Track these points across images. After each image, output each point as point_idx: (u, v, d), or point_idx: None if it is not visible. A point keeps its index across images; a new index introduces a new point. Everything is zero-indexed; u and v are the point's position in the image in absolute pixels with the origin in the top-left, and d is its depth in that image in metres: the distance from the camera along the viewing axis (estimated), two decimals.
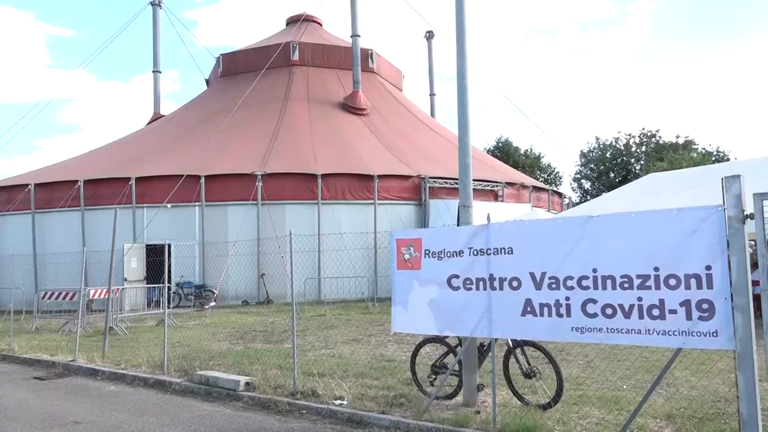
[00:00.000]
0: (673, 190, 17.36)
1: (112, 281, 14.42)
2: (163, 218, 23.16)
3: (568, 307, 5.67)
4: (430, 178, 26.27)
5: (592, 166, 62.04)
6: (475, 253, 6.35)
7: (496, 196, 28.50)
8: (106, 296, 17.26)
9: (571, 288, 5.66)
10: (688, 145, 54.91)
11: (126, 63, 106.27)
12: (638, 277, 5.28)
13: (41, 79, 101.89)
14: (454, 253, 6.52)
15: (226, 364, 10.12)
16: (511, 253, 6.09)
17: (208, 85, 39.78)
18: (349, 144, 28.68)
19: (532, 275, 5.92)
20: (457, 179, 25.90)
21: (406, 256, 6.92)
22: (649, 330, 5.20)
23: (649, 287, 5.22)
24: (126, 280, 22.84)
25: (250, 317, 19.50)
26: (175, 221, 23.89)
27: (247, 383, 8.37)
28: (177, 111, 36.71)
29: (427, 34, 45.05)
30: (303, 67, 34.61)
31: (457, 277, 6.47)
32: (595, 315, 5.50)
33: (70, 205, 23.89)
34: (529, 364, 6.91)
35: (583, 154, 61.88)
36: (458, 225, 7.23)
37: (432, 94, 45.13)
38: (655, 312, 5.17)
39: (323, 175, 24.52)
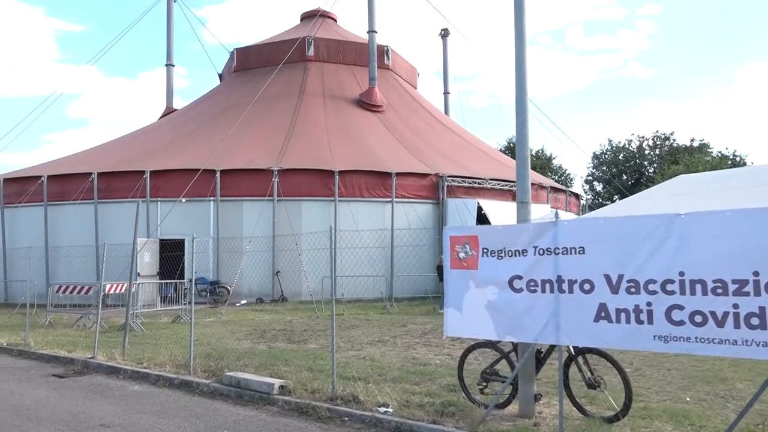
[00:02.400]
0: (706, 192, 16.85)
1: (132, 276, 13.97)
2: (176, 213, 22.71)
3: (649, 313, 5.19)
4: (448, 176, 25.77)
5: (605, 168, 61.51)
6: (541, 252, 5.87)
7: (513, 196, 27.91)
8: (123, 291, 16.94)
9: (654, 293, 5.18)
10: (702, 148, 54.26)
11: (133, 59, 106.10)
12: (734, 282, 4.80)
13: (50, 74, 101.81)
14: (517, 252, 6.05)
15: (253, 365, 9.67)
16: (583, 253, 5.60)
17: (221, 80, 39.41)
18: (366, 141, 28.22)
19: (608, 278, 5.44)
20: (475, 178, 25.46)
21: (461, 255, 6.45)
22: (747, 341, 4.72)
23: (747, 293, 4.74)
24: (139, 275, 22.43)
25: (266, 315, 19.06)
26: (189, 216, 23.44)
27: (281, 386, 7.92)
28: (190, 105, 36.32)
29: (442, 32, 44.53)
30: (318, 62, 34.14)
31: (519, 278, 5.99)
32: (681, 323, 5.02)
33: (84, 198, 23.47)
34: (591, 373, 6.44)
35: (595, 156, 61.31)
36: (518, 222, 6.74)
37: (446, 93, 44.61)
38: (755, 321, 4.68)
39: (340, 172, 24.06)
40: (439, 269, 20.17)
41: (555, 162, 63.44)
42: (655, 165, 56.85)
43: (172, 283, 19.41)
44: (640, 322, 5.24)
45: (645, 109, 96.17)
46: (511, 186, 27.85)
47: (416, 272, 23.80)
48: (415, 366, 9.69)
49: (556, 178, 60.46)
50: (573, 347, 6.38)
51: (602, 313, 5.45)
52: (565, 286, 5.68)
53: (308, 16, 39.71)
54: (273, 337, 13.94)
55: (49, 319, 16.72)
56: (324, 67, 34.09)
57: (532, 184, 29.10)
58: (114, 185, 23.78)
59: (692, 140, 55.17)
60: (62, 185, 24.25)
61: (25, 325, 16.42)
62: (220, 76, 39.87)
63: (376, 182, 24.69)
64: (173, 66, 38.24)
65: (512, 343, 6.79)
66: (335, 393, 7.49)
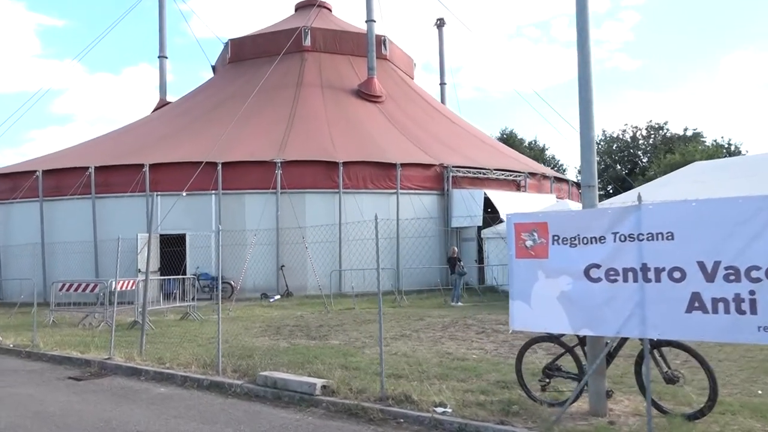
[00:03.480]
0: (726, 178, 16.56)
1: (147, 272, 13.42)
2: (177, 207, 22.02)
3: (752, 302, 4.79)
4: (453, 167, 25.33)
5: (598, 158, 61.37)
6: (622, 238, 5.44)
7: (518, 186, 27.61)
8: (132, 288, 16.39)
9: (758, 280, 4.78)
10: (696, 137, 54.22)
11: (117, 55, 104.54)
12: None
13: (32, 70, 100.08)
14: (593, 239, 5.61)
15: (282, 363, 9.19)
16: (672, 238, 5.18)
17: (214, 72, 38.68)
18: (367, 132, 27.70)
19: (701, 265, 5.02)
20: (480, 168, 25.00)
21: (528, 243, 6.01)
22: None
23: None
24: (140, 271, 21.81)
25: (275, 311, 18.56)
26: (189, 210, 22.84)
27: (323, 386, 7.45)
28: (184, 98, 35.57)
29: (438, 22, 43.99)
30: (315, 53, 33.51)
31: (597, 266, 5.56)
32: None
33: (81, 193, 22.77)
34: (669, 367, 6.02)
35: None
36: (584, 208, 6.29)
37: (442, 84, 44.09)
38: None
39: (344, 164, 23.54)
40: (450, 261, 19.78)
41: (548, 153, 63.39)
42: (649, 155, 56.78)
43: (177, 279, 18.85)
44: (741, 312, 4.83)
45: (630, 99, 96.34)
46: (516, 176, 27.54)
47: (423, 264, 23.37)
48: (453, 361, 9.26)
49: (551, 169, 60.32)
50: (650, 339, 5.95)
51: (696, 303, 5.04)
52: (651, 275, 5.26)
53: (302, 7, 39.10)
54: (290, 333, 13.46)
55: (52, 318, 16.10)
56: (321, 57, 33.47)
57: (534, 174, 28.97)
58: (112, 179, 23.09)
59: (686, 130, 55.13)
60: (58, 180, 23.54)
61: (28, 325, 15.90)
62: (214, 68, 39.13)
63: (380, 173, 24.21)
64: (166, 58, 37.41)
65: (578, 337, 6.37)
66: (385, 393, 7.03)
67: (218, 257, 11.51)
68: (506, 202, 24.68)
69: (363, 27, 36.41)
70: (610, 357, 6.29)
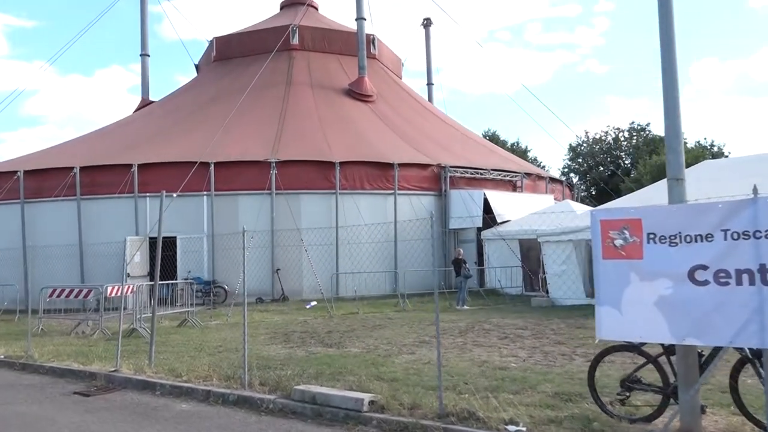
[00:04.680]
0: (738, 177, 16.24)
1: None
2: (167, 209, 21.03)
3: None
4: (451, 167, 24.79)
5: (580, 160, 61.58)
6: (735, 236, 4.86)
7: (514, 187, 27.16)
8: (130, 293, 15.47)
9: None
10: None
11: (89, 56, 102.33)
12: None
13: (1, 71, 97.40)
14: (698, 237, 5.03)
15: (309, 375, 8.48)
16: None
17: (198, 71, 37.65)
18: (361, 131, 27.03)
19: None
20: (477, 169, 24.43)
21: (618, 242, 5.40)
22: None
23: None
24: (129, 275, 20.83)
25: (274, 316, 17.80)
26: (180, 212, 21.85)
27: (371, 402, 6.76)
28: (168, 97, 34.50)
29: (425, 22, 43.46)
30: (303, 51, 32.70)
31: (704, 268, 4.98)
32: None
33: (66, 195, 21.69)
34: None
35: (571, 148, 61.31)
36: (670, 202, 5.71)
37: (429, 84, 43.57)
38: None
39: (341, 163, 22.83)
40: (456, 263, 19.17)
41: (530, 155, 63.33)
42: (632, 156, 56.99)
43: (174, 283, 17.97)
44: None
45: (604, 103, 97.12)
46: (512, 176, 27.10)
47: (421, 266, 22.74)
48: (495, 371, 8.63)
49: None
50: (749, 349, 5.40)
51: None
52: None
53: (288, 5, 38.26)
54: (300, 340, 12.73)
55: (41, 326, 15.11)
56: (310, 56, 32.69)
57: (529, 174, 28.53)
58: (98, 180, 22.08)
59: None
60: (40, 181, 22.44)
61: (15, 333, 14.97)
62: (197, 66, 38.09)
63: (377, 174, 23.58)
64: (148, 56, 36.27)
65: (662, 346, 5.79)
66: (444, 409, 6.37)
67: (243, 263, 10.67)
68: (504, 202, 24.21)
69: (349, 26, 35.84)
70: (701, 368, 5.71)
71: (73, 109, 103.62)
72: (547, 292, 18.20)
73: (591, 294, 17.78)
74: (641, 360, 6.09)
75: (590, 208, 23.18)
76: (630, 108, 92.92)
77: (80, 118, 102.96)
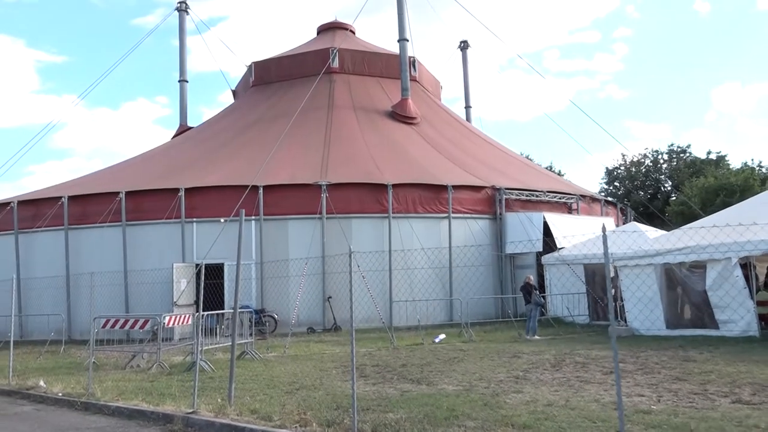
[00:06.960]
0: None
1: (234, 305, 11.53)
2: (214, 234, 20.12)
3: None
4: (506, 189, 23.69)
5: (617, 183, 60.06)
6: None
7: (569, 209, 25.95)
8: (187, 323, 14.53)
9: None
10: (720, 161, 53.04)
11: (115, 90, 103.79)
12: None
13: (30, 105, 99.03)
14: None
15: (416, 420, 7.36)
16: None
17: (235, 97, 37.26)
18: (408, 153, 26.14)
19: None
20: (532, 191, 23.20)
21: None
22: None
23: None
24: (176, 304, 19.96)
25: (333, 347, 16.70)
26: (228, 238, 20.95)
27: None
28: (207, 122, 34.05)
29: (462, 44, 42.89)
30: (343, 74, 32.09)
31: None
32: None
33: (111, 221, 20.94)
34: None
35: (608, 172, 59.94)
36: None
37: (467, 107, 42.75)
38: None
39: (393, 186, 21.86)
40: (525, 289, 17.97)
41: (565, 177, 61.98)
42: (675, 179, 55.29)
43: (225, 313, 16.97)
44: None
45: (625, 128, 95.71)
46: (567, 199, 25.93)
47: (477, 293, 21.53)
48: (645, 417, 7.37)
49: None
50: None
51: None
52: None
53: (325, 29, 37.95)
54: (379, 375, 11.59)
55: (92, 359, 14.14)
56: (350, 79, 32.08)
57: (584, 196, 27.29)
58: (144, 205, 21.34)
59: (709, 153, 53.92)
60: (85, 206, 21.78)
61: (66, 367, 14.07)
62: (234, 92, 37.74)
63: (430, 196, 22.58)
64: (187, 82, 35.92)
65: None
66: None
67: (350, 287, 9.62)
68: (563, 225, 23.00)
69: (386, 48, 35.23)
70: None
71: (100, 141, 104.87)
72: (625, 320, 16.87)
73: (672, 324, 16.43)
74: None
75: (660, 230, 21.90)
76: (650, 132, 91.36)
77: (107, 150, 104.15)
